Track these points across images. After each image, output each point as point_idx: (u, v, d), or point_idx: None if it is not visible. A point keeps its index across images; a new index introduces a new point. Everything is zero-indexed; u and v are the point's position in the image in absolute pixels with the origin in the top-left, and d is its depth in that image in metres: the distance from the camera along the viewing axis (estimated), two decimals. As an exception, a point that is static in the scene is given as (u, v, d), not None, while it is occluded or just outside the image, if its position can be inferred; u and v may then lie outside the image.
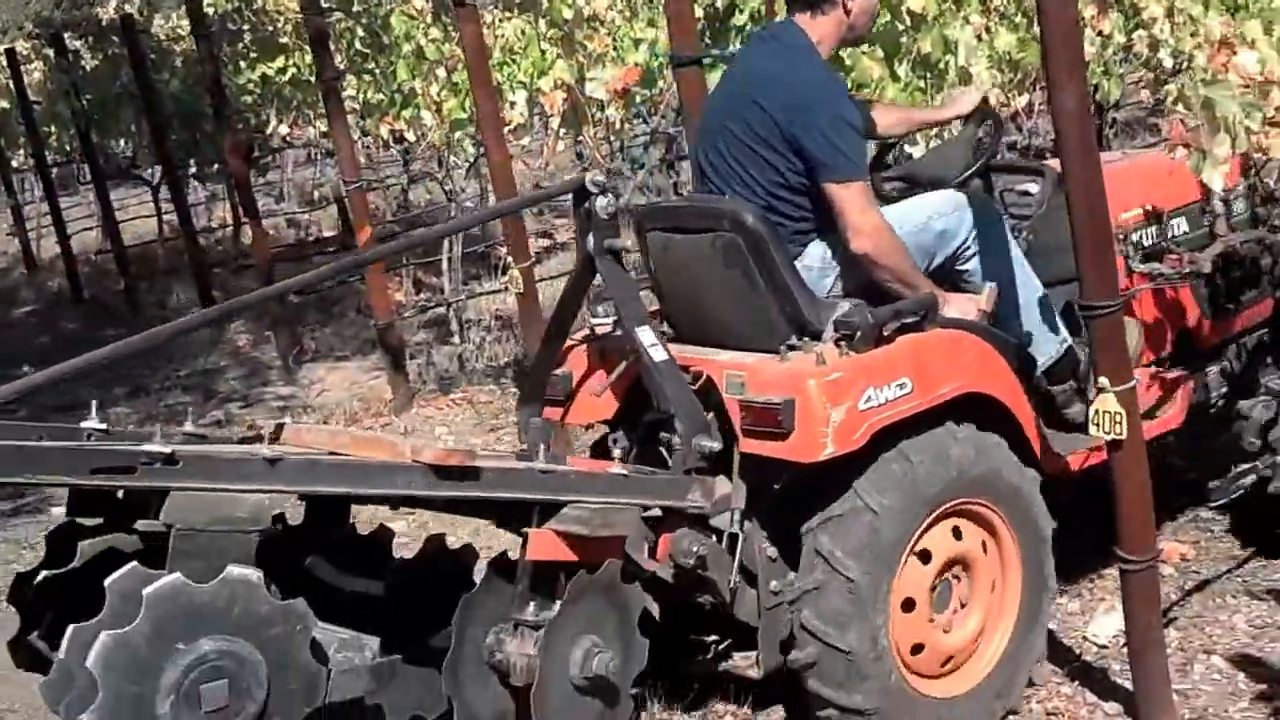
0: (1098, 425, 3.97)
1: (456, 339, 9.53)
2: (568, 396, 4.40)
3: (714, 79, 5.44)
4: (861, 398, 3.85)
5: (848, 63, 5.77)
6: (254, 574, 3.14)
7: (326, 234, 15.02)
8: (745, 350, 4.13)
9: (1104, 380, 3.93)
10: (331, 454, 3.50)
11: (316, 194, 17.27)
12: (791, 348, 3.98)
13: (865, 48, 5.68)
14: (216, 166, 13.57)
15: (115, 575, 3.04)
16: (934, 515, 4.05)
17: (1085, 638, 4.79)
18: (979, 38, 6.13)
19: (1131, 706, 4.29)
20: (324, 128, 12.68)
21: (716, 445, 3.92)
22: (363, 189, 8.65)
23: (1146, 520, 4.09)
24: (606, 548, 3.69)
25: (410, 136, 10.23)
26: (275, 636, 3.15)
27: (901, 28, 5.97)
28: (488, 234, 12.04)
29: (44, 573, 3.66)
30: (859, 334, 3.93)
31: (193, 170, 14.37)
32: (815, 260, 4.27)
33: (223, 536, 3.14)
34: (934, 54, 5.97)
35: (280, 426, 3.74)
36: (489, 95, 6.89)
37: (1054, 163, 4.51)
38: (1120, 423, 3.94)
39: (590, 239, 4.06)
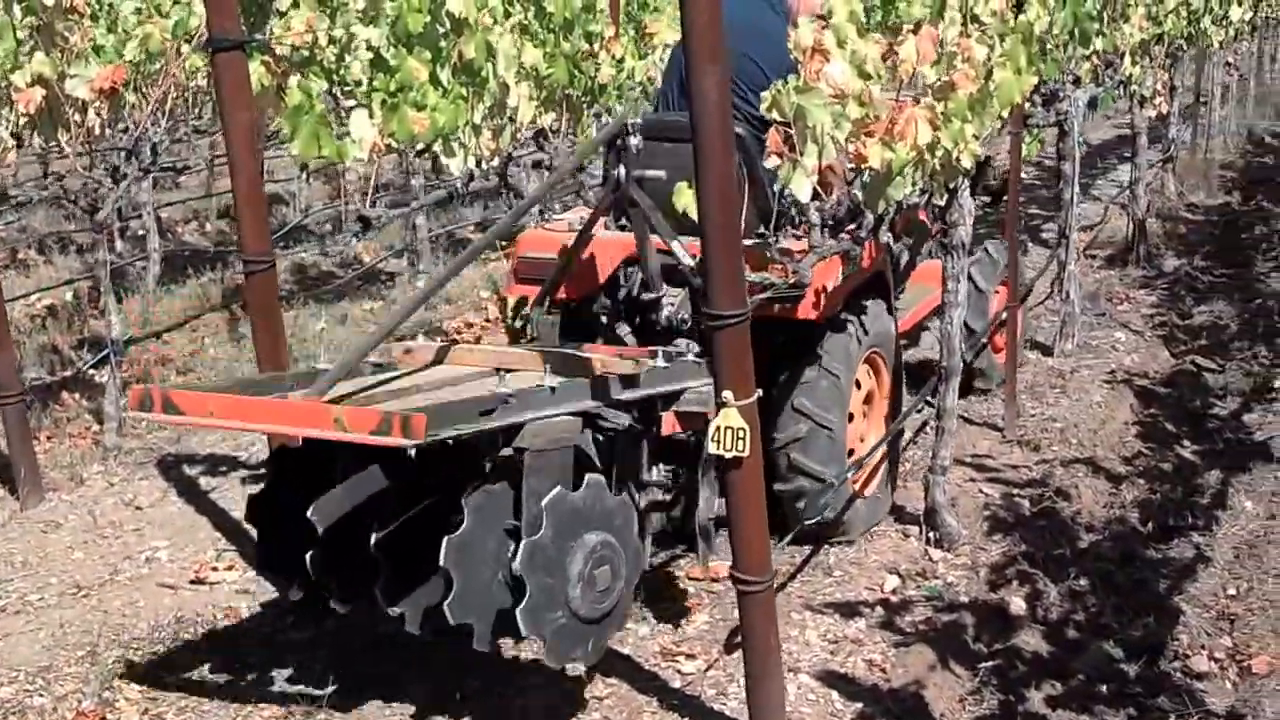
0: (718, 442, 3.78)
1: None
2: (555, 280, 5.20)
3: (254, 67, 4.94)
4: (838, 274, 5.10)
5: (393, 63, 5.38)
6: (601, 478, 3.97)
7: None
8: None
9: (727, 394, 3.74)
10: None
11: None
12: (761, 236, 4.81)
13: (414, 49, 5.32)
14: None
15: (469, 493, 3.78)
16: (861, 360, 5.51)
17: (674, 668, 4.60)
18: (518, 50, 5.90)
19: (741, 734, 4.13)
20: None
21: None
22: None
23: (763, 539, 3.94)
24: (699, 420, 4.40)
25: None
26: (620, 525, 3.97)
27: (443, 30, 5.63)
28: None
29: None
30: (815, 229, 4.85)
31: None
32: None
33: (557, 451, 3.90)
34: (477, 60, 5.67)
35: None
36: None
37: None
38: (743, 439, 3.76)
39: (622, 169, 4.69)
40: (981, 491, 6.16)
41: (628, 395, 4.31)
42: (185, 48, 6.62)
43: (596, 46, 6.85)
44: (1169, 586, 5.11)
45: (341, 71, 5.76)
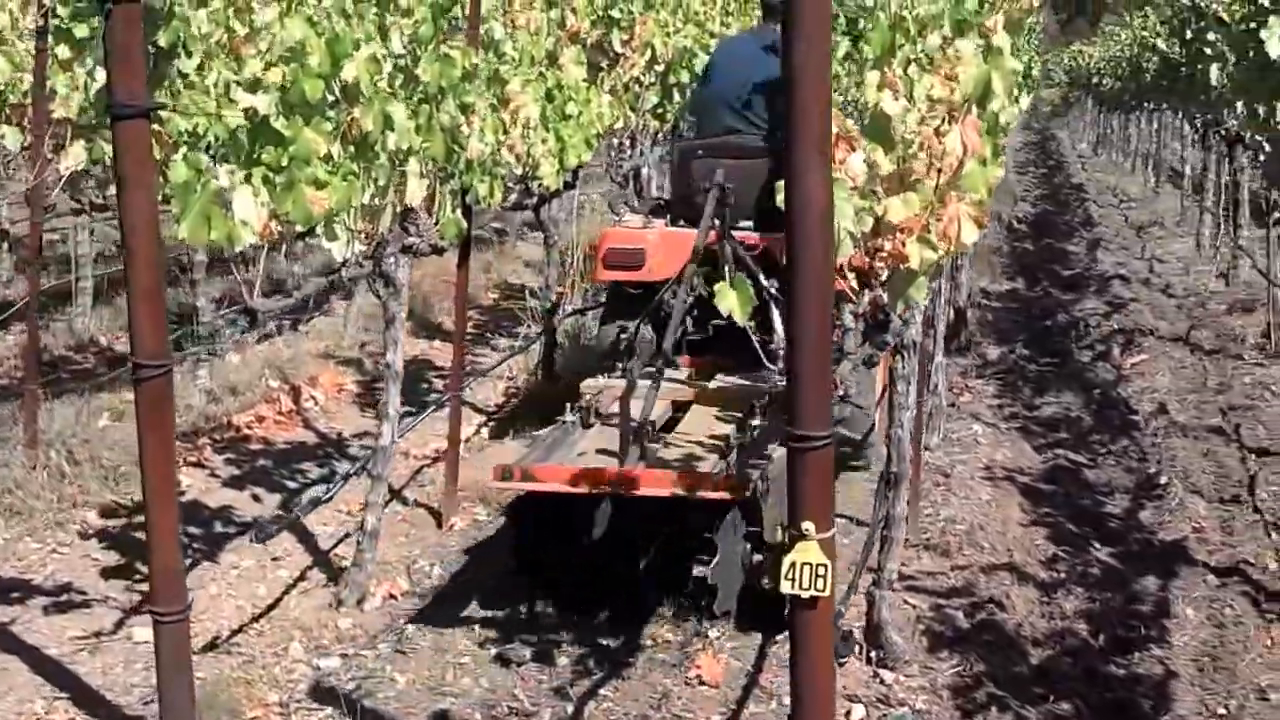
0: (792, 580, 3.22)
1: None
2: (641, 264, 6.58)
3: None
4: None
5: (287, 134, 4.66)
6: None
7: None
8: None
9: (808, 526, 3.19)
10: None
11: None
12: None
13: (312, 120, 4.63)
14: None
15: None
16: None
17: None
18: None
19: None
20: None
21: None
22: None
23: (832, 696, 3.37)
24: None
25: None
26: None
27: (332, 99, 4.96)
28: None
29: None
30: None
31: None
32: None
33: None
34: (374, 133, 5.01)
35: None
36: None
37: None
38: (824, 576, 3.21)
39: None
40: (907, 603, 5.73)
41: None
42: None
43: (466, 119, 6.23)
44: (1153, 708, 4.76)
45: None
